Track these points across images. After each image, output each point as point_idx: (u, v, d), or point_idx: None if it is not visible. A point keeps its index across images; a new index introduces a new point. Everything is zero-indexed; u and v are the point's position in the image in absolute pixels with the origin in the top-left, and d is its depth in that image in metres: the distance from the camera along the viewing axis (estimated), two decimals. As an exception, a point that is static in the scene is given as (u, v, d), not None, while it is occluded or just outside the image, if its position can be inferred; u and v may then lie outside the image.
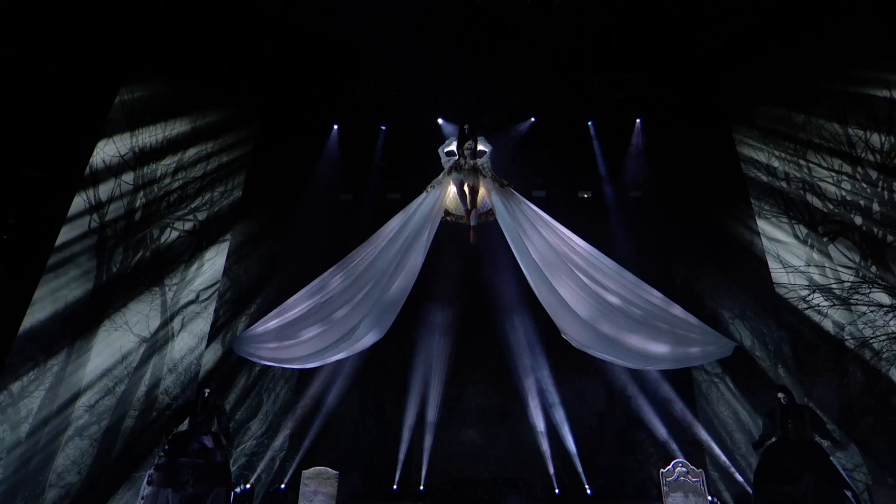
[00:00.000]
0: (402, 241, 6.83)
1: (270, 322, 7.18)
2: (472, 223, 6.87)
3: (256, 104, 9.71)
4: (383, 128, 10.38)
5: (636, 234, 10.26)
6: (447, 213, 7.08)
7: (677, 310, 6.90)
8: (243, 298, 9.65)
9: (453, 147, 7.17)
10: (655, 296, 6.93)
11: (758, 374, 8.58)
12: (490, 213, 7.14)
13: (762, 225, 8.38)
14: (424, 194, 7.01)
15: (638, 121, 10.27)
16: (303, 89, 10.02)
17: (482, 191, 7.04)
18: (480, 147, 7.17)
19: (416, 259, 6.81)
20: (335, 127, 10.37)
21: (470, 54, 9.22)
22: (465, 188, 6.96)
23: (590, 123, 10.43)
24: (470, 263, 8.97)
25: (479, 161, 6.92)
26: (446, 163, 6.92)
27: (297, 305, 7.15)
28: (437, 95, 9.78)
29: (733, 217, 9.36)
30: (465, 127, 7.13)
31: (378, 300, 6.68)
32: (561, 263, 6.78)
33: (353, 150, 10.57)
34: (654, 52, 9.53)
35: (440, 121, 10.23)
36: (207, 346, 8.76)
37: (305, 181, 10.46)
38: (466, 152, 6.99)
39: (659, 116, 10.16)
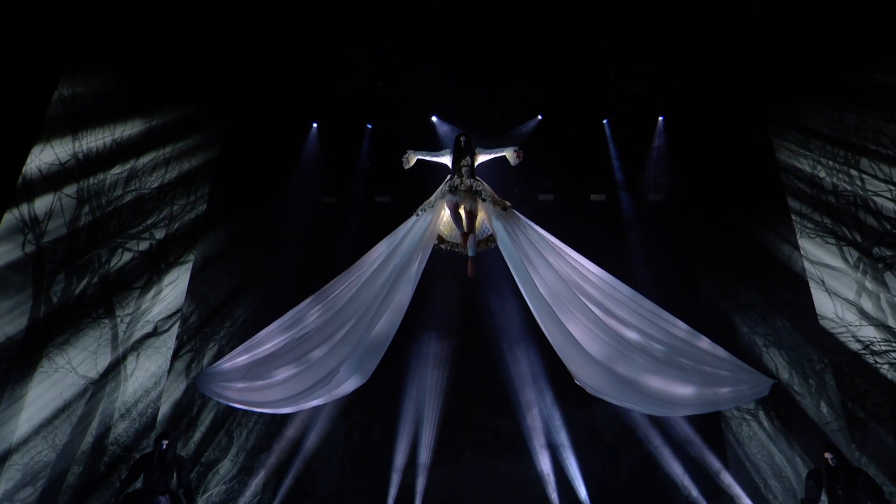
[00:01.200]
0: (388, 273, 6.39)
1: (239, 357, 6.74)
2: (469, 253, 6.43)
3: (222, 100, 9.17)
4: (369, 126, 9.91)
5: (656, 242, 9.87)
6: (440, 239, 6.64)
7: (704, 343, 6.46)
8: (212, 321, 9.20)
9: (447, 160, 6.66)
10: (679, 327, 6.49)
11: (797, 412, 8.17)
12: (490, 239, 6.66)
13: (805, 245, 7.66)
14: (414, 218, 6.55)
15: (660, 119, 9.72)
16: (276, 82, 9.52)
17: (481, 214, 6.57)
18: (481, 158, 6.68)
19: (405, 294, 6.39)
20: (314, 125, 9.88)
21: (468, 42, 8.74)
22: (462, 212, 6.50)
23: (605, 122, 9.86)
24: (468, 288, 8.59)
25: (478, 186, 6.47)
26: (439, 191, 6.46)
27: (269, 340, 6.73)
28: (430, 90, 9.33)
29: (770, 230, 8.92)
30: (462, 138, 6.63)
31: (360, 340, 6.25)
32: (571, 296, 6.31)
33: (335, 150, 10.13)
34: (679, 37, 9.00)
35: (434, 119, 9.76)
36: (168, 381, 8.31)
37: (281, 185, 10.03)
38: (464, 170, 6.51)
39: (684, 114, 9.61)
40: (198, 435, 8.45)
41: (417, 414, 8.59)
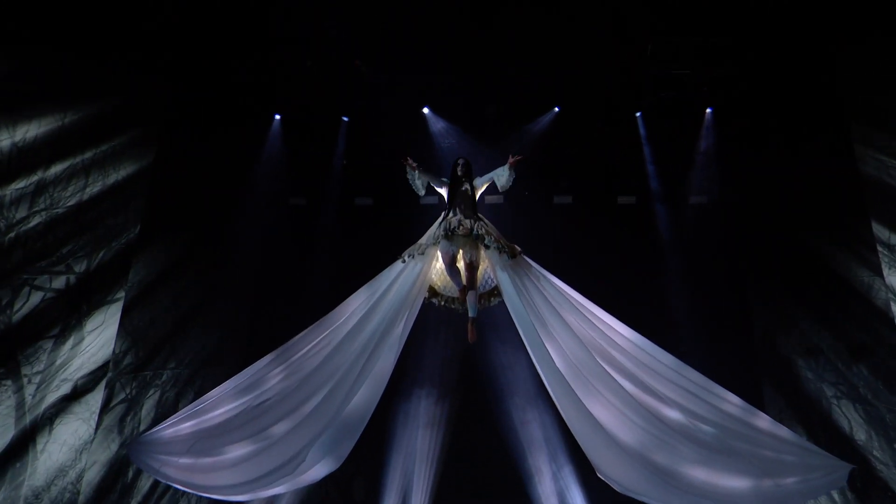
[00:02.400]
0: (367, 335, 6.07)
1: (183, 424, 6.45)
2: (469, 312, 6.13)
3: (156, 89, 8.44)
4: (345, 119, 9.61)
5: (697, 257, 9.56)
6: (433, 292, 6.35)
7: (763, 421, 6.19)
8: (152, 362, 8.69)
9: (443, 191, 6.45)
10: (732, 402, 6.19)
11: (877, 485, 7.74)
12: (495, 292, 6.33)
13: (894, 281, 6.76)
14: (400, 264, 6.23)
15: (708, 111, 9.25)
16: (226, 65, 8.91)
17: (484, 264, 6.27)
18: (481, 189, 6.49)
19: (387, 362, 6.10)
20: (276, 117, 9.56)
21: (468, 17, 8.08)
22: (460, 263, 6.16)
23: (638, 115, 9.44)
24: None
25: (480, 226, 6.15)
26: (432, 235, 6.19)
27: (220, 405, 6.44)
28: (421, 74, 8.83)
29: (846, 254, 8.32)
30: (460, 164, 6.37)
31: (333, 418, 5.94)
32: (596, 368, 5.93)
33: (303, 145, 9.87)
34: (735, 7, 8.13)
35: (426, 111, 9.45)
36: (95, 443, 7.84)
37: (237, 189, 9.70)
38: (462, 206, 6.23)
39: (739, 104, 9.12)
40: (134, 505, 7.81)
41: (405, 478, 8.38)
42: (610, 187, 9.91)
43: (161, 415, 8.62)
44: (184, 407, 8.71)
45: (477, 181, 6.39)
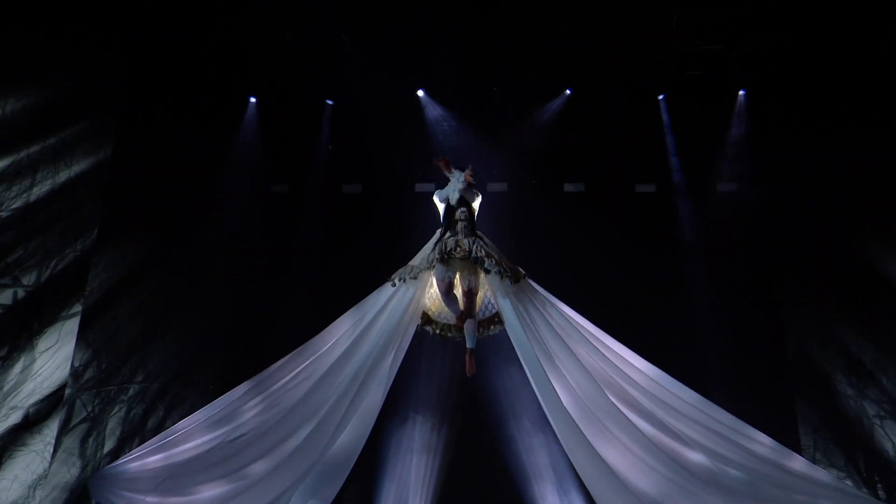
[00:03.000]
0: (354, 368, 5.97)
1: (150, 458, 6.40)
2: (468, 343, 6.01)
3: (115, 70, 8.19)
4: (330, 102, 9.47)
5: (723, 253, 9.35)
6: (426, 319, 6.22)
7: (797, 463, 6.17)
8: (116, 376, 8.51)
9: (440, 206, 6.29)
10: (762, 443, 6.14)
11: None
12: (496, 319, 6.18)
13: None
14: (390, 288, 6.08)
15: (741, 93, 9.05)
16: (191, 41, 8.62)
17: (484, 290, 6.13)
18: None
19: (375, 397, 6.07)
20: (252, 100, 9.42)
21: None
22: (457, 290, 6.03)
23: (661, 98, 9.23)
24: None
25: (480, 246, 5.97)
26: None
27: (191, 438, 6.40)
28: (416, 52, 8.58)
29: (893, 254, 8.20)
30: (466, 174, 6.15)
31: (318, 458, 5.89)
32: (609, 407, 5.81)
33: (282, 130, 9.70)
34: None
35: (420, 93, 9.27)
36: (53, 468, 7.64)
37: (208, 179, 9.47)
38: (460, 224, 6.03)
39: (777, 85, 8.89)
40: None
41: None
42: (627, 174, 9.67)
43: (128, 434, 8.51)
44: (153, 424, 8.74)
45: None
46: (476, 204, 6.15)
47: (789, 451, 6.05)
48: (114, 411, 8.45)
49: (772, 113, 8.97)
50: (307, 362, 6.17)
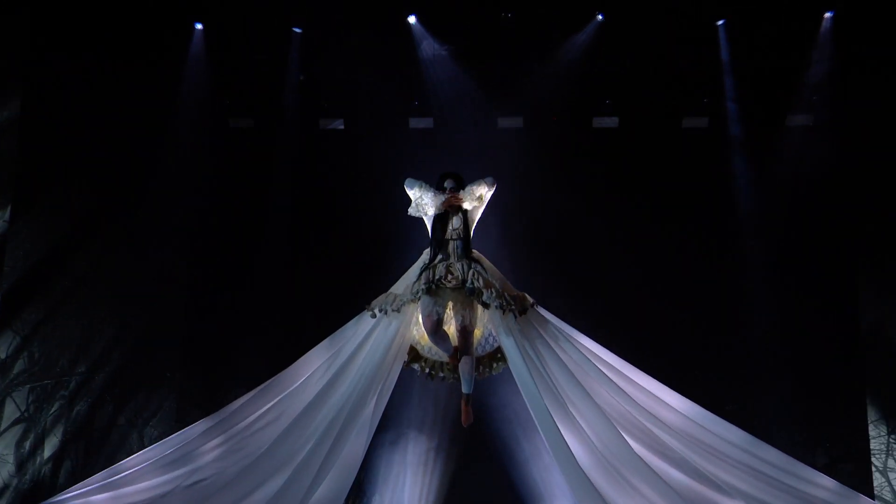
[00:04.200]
0: (330, 413, 5.88)
1: (96, 497, 6.40)
2: (463, 388, 5.91)
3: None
4: (297, 31, 9.26)
5: (785, 203, 9.27)
6: (415, 355, 6.10)
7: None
8: (54, 368, 8.70)
9: (424, 207, 5.97)
10: (823, 486, 6.07)
11: None
12: (499, 355, 6.05)
13: None
14: (369, 320, 5.94)
15: (827, 15, 8.84)
16: None
17: (482, 326, 6.01)
18: (476, 194, 5.97)
19: (356, 446, 5.93)
20: (197, 27, 9.28)
21: None
22: (450, 327, 5.91)
23: (720, 24, 8.98)
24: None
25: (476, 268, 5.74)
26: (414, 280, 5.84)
27: (141, 478, 6.38)
28: None
29: None
30: (447, 184, 5.95)
31: None
32: (631, 459, 5.69)
33: (240, 61, 9.52)
34: None
35: (412, 20, 9.14)
36: None
37: (150, 123, 9.33)
38: (452, 244, 5.83)
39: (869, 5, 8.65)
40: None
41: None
42: (672, 105, 9.45)
43: (72, 434, 8.70)
44: (101, 422, 8.89)
45: (470, 202, 5.86)
46: (478, 214, 5.91)
47: (856, 493, 6.01)
48: (53, 409, 8.65)
49: (864, 41, 8.76)
50: (274, 401, 6.15)
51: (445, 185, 5.92)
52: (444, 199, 5.80)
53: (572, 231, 9.24)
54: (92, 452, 8.64)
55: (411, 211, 5.93)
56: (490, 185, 5.87)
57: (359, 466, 6.05)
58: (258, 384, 8.98)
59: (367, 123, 9.65)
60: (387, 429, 8.55)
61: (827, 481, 6.03)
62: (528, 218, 9.17)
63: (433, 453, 8.83)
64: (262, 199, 9.63)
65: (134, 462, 6.49)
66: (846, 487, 6.05)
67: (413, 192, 5.91)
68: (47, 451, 8.54)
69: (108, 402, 8.81)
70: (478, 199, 5.86)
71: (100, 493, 6.33)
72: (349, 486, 6.02)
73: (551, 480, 8.46)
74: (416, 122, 9.54)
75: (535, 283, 8.54)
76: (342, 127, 9.74)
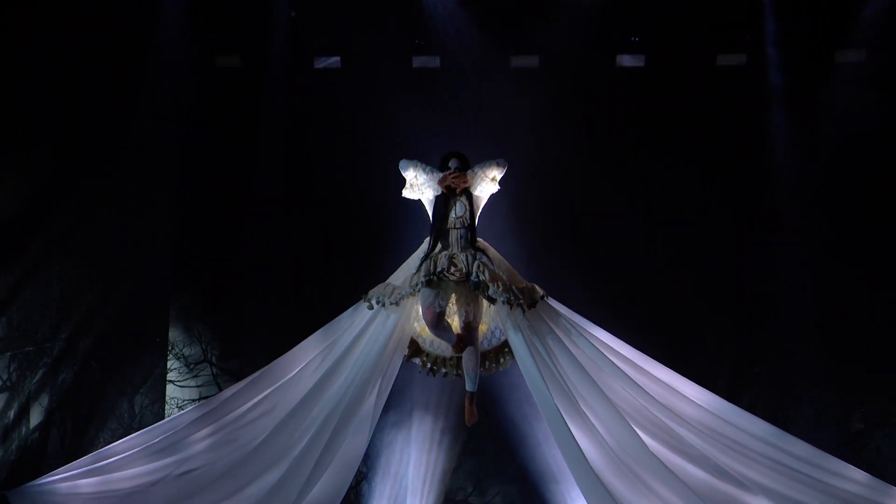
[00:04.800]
0: (327, 407, 6.03)
1: (83, 481, 6.66)
2: (467, 385, 6.00)
3: None
4: None
5: (833, 154, 9.13)
6: (416, 349, 6.20)
7: None
8: (36, 334, 8.87)
9: (421, 187, 5.96)
10: (854, 479, 6.12)
11: None
12: (505, 350, 6.11)
13: None
14: (366, 312, 5.99)
15: None
16: None
17: (487, 321, 6.06)
18: (488, 176, 5.95)
19: (356, 443, 6.12)
20: None
21: None
22: (453, 320, 5.96)
23: None
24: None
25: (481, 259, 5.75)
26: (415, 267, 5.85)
27: (129, 465, 6.60)
28: None
29: None
30: (453, 161, 5.91)
31: None
32: (646, 458, 5.78)
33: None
34: None
35: None
36: None
37: (124, 61, 9.27)
38: (454, 233, 5.77)
39: None
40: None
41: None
42: (706, 41, 9.29)
43: (58, 403, 8.86)
44: (89, 390, 9.04)
45: (477, 184, 5.82)
46: (485, 196, 5.86)
47: (890, 487, 6.04)
48: (36, 377, 8.84)
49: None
50: (267, 392, 6.26)
51: (450, 165, 5.88)
52: (441, 177, 5.76)
53: (590, 189, 9.23)
54: (80, 421, 8.87)
55: (406, 192, 5.92)
56: (502, 167, 5.84)
57: (358, 464, 6.22)
58: (249, 345, 9.42)
59: (366, 62, 9.51)
60: (390, 409, 8.58)
61: (859, 474, 6.08)
62: (542, 173, 9.11)
63: (438, 435, 8.93)
64: (251, 147, 9.60)
65: (121, 448, 6.65)
66: (879, 480, 6.09)
67: (408, 174, 5.89)
68: (33, 421, 8.74)
69: (95, 369, 8.97)
70: (491, 180, 5.82)
71: (87, 477, 6.55)
72: (348, 485, 6.21)
73: (564, 463, 8.54)
74: (420, 61, 9.40)
75: (548, 251, 8.68)
76: (339, 65, 9.62)
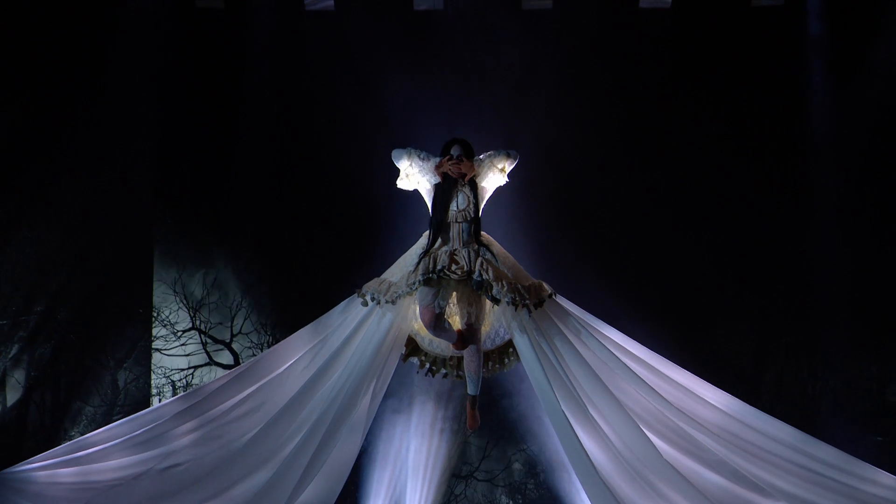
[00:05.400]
0: (318, 408, 6.11)
1: (62, 470, 6.76)
2: (469, 389, 6.09)
3: None
4: None
5: (883, 107, 9.10)
6: (413, 348, 6.25)
7: None
8: (7, 308, 8.95)
9: (417, 175, 5.91)
10: (883, 484, 6.20)
11: None
12: (509, 350, 6.14)
13: None
14: (360, 308, 6.01)
15: None
16: None
17: (490, 321, 6.08)
18: (497, 166, 5.90)
19: (348, 447, 6.21)
20: None
21: None
22: (454, 320, 5.97)
23: None
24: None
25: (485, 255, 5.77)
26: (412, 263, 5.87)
27: (110, 456, 6.69)
28: None
29: None
30: (455, 149, 5.79)
31: None
32: (658, 463, 5.85)
33: None
34: None
35: None
36: None
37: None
38: (455, 227, 5.77)
39: None
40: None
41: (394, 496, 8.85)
42: None
43: (36, 380, 9.04)
44: (68, 364, 9.16)
45: (484, 174, 5.78)
46: (491, 188, 5.83)
47: None
48: (12, 352, 8.93)
49: None
50: (253, 388, 6.33)
51: (452, 152, 5.80)
52: (438, 163, 5.70)
53: (610, 158, 9.19)
54: (61, 399, 9.01)
55: (400, 183, 5.88)
56: (513, 159, 5.77)
57: (349, 470, 6.29)
58: (239, 312, 9.48)
59: (363, 4, 9.41)
60: (390, 395, 8.63)
61: (890, 479, 6.11)
62: (555, 141, 9.06)
63: (440, 422, 9.04)
64: (235, 98, 9.58)
65: (101, 437, 6.73)
66: None
67: (402, 164, 5.84)
68: (10, 398, 8.86)
69: (74, 343, 9.09)
70: (499, 171, 5.78)
71: (66, 467, 6.65)
72: (339, 490, 6.31)
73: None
74: (421, 3, 9.31)
75: (561, 238, 8.65)
76: (332, 7, 9.49)
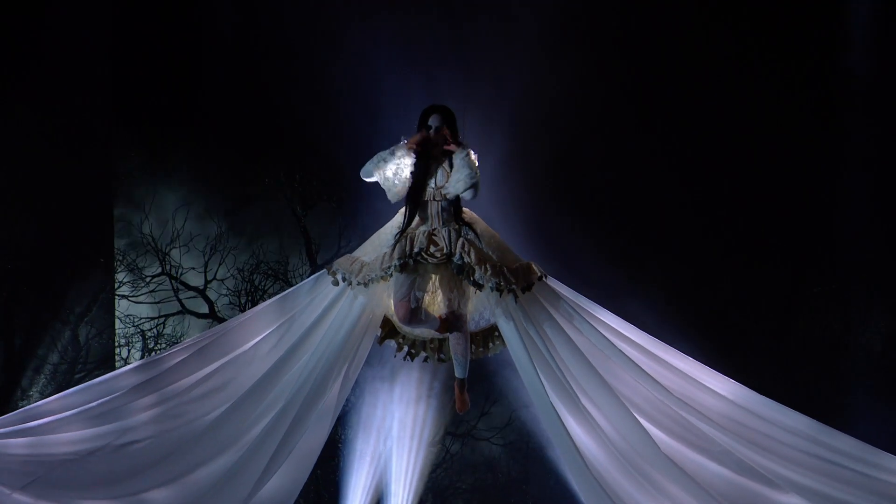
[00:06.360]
0: (285, 394, 6.31)
1: (13, 440, 6.89)
2: (456, 371, 6.23)
3: None
4: None
5: None
6: (389, 329, 6.41)
7: None
8: None
9: (400, 171, 5.96)
10: None
11: None
12: (495, 333, 6.30)
13: None
14: (332, 287, 6.17)
15: None
16: None
17: (472, 305, 6.18)
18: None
19: (315, 435, 6.44)
20: None
21: None
22: (434, 308, 6.11)
23: None
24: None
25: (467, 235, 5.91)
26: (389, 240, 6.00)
27: (65, 427, 6.86)
28: None
29: None
30: (432, 123, 5.89)
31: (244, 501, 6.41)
32: (655, 455, 6.05)
33: None
34: None
35: None
36: None
37: None
38: (434, 205, 5.88)
39: None
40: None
41: (378, 464, 9.08)
42: None
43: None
44: (22, 322, 9.39)
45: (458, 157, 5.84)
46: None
47: None
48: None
49: None
50: (216, 365, 6.50)
51: (430, 122, 5.88)
52: (411, 141, 5.80)
53: (612, 123, 9.27)
54: (15, 358, 9.22)
55: (390, 196, 5.89)
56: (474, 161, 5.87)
57: (316, 458, 6.50)
58: (212, 254, 9.66)
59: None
60: (371, 364, 8.87)
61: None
62: (549, 98, 9.11)
63: (425, 395, 9.25)
64: (196, 34, 9.74)
65: (55, 406, 6.89)
66: None
67: (378, 177, 5.87)
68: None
69: (28, 296, 9.30)
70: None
71: (16, 437, 6.78)
72: (305, 479, 6.55)
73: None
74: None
75: (557, 212, 8.71)
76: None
